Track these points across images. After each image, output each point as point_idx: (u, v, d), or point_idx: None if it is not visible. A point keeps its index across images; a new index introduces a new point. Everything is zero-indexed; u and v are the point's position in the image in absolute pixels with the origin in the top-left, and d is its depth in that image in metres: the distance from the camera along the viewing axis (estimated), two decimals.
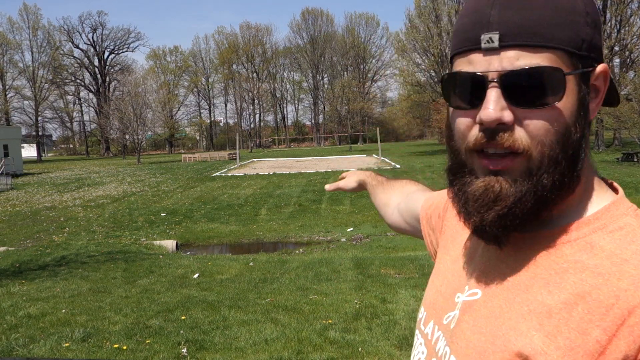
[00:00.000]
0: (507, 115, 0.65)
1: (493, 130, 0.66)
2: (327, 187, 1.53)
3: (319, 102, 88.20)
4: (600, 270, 0.63)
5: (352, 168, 29.95)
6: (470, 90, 0.68)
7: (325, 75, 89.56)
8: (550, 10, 0.65)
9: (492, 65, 0.66)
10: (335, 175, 26.54)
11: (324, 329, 5.41)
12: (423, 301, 0.90)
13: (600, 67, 0.69)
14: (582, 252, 0.66)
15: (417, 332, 0.88)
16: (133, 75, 63.22)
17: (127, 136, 51.22)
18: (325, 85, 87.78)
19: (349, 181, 1.51)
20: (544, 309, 0.64)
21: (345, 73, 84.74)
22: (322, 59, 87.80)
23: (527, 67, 0.64)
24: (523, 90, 0.65)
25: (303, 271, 8.33)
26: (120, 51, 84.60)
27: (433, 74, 49.99)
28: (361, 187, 1.49)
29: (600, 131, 38.71)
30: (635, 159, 27.68)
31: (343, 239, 12.85)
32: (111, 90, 79.06)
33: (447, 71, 0.74)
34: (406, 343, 4.95)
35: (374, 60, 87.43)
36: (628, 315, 0.59)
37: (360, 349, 4.87)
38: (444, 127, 0.82)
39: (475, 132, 0.68)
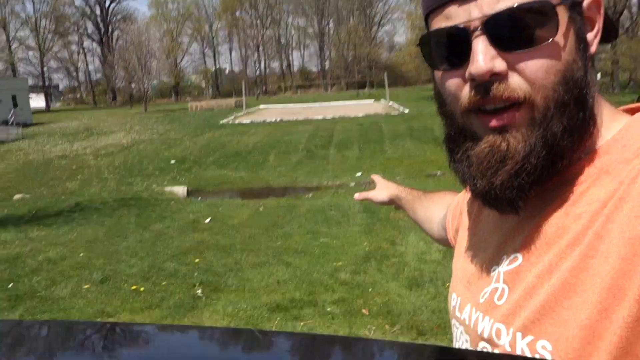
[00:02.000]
0: (499, 64, 0.61)
1: (486, 83, 0.61)
2: (357, 196, 1.39)
3: (325, 48, 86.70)
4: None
5: (361, 114, 29.78)
6: (454, 47, 0.63)
7: (331, 20, 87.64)
8: None
9: (472, 13, 0.61)
10: (343, 121, 26.39)
11: (334, 271, 5.54)
12: (451, 288, 0.84)
13: None
14: (622, 166, 0.61)
15: (453, 321, 0.81)
16: (135, 24, 62.19)
17: (132, 85, 50.87)
18: (331, 31, 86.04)
19: (379, 193, 1.35)
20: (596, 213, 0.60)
21: (351, 18, 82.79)
22: (327, 3, 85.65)
23: (512, 6, 0.59)
24: (512, 32, 0.60)
25: (313, 215, 8.44)
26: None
27: None
28: (392, 202, 1.34)
29: (615, 72, 37.93)
30: None
31: (352, 184, 12.90)
32: (114, 39, 77.92)
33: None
34: (415, 284, 5.07)
35: (380, 4, 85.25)
36: None
37: (370, 289, 5.00)
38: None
39: (467, 91, 0.64)
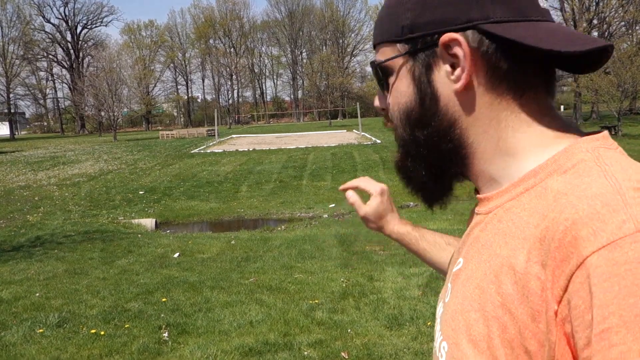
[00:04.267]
0: (378, 102, 0.81)
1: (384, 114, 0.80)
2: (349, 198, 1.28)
3: (298, 77, 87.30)
4: (544, 211, 0.61)
5: (334, 143, 29.76)
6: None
7: (304, 50, 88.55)
8: (383, 13, 0.76)
9: None
10: (316, 151, 26.30)
11: (310, 310, 5.26)
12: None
13: (443, 38, 0.68)
14: (537, 198, 0.64)
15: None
16: (107, 51, 61.66)
17: (102, 113, 50.13)
18: (304, 60, 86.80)
19: (366, 210, 1.24)
20: (498, 261, 0.64)
21: (324, 47, 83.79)
22: (301, 33, 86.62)
23: (370, 62, 0.80)
24: (377, 79, 0.79)
25: (286, 249, 8.16)
26: (94, 25, 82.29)
27: None
28: (379, 230, 1.24)
29: (578, 105, 38.97)
30: (613, 132, 27.93)
31: (325, 215, 12.71)
32: (85, 66, 77.04)
33: None
34: (396, 323, 4.82)
35: (352, 35, 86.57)
36: (558, 243, 0.57)
37: (349, 329, 4.73)
38: None
39: None
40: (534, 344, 0.58)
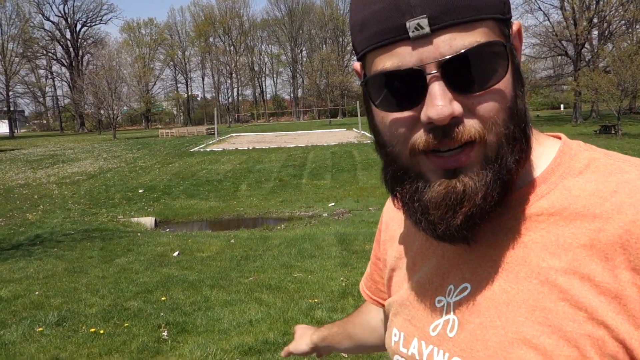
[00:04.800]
0: (458, 108, 0.58)
1: (444, 126, 0.58)
2: (282, 354, 1.27)
3: (298, 75, 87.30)
4: (594, 211, 0.59)
5: (333, 142, 29.75)
6: (405, 89, 0.60)
7: (304, 49, 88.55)
8: None
9: (426, 55, 0.57)
10: (316, 149, 26.30)
11: (310, 309, 5.26)
12: (391, 324, 0.79)
13: (516, 25, 0.64)
14: (562, 200, 0.62)
15: (396, 357, 0.77)
16: (107, 49, 61.60)
17: (102, 111, 50.12)
18: (304, 59, 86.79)
19: (298, 344, 1.21)
20: (555, 276, 0.59)
21: (324, 46, 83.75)
22: (301, 31, 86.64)
23: (469, 48, 0.57)
24: (468, 75, 0.57)
25: (286, 248, 8.16)
26: (93, 23, 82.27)
27: None
28: (315, 349, 1.19)
29: (578, 104, 38.96)
30: (613, 131, 27.94)
31: (325, 214, 12.69)
32: (84, 64, 77.00)
33: (368, 72, 0.65)
34: None
35: None
36: None
37: None
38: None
39: (421, 133, 0.60)
40: None
